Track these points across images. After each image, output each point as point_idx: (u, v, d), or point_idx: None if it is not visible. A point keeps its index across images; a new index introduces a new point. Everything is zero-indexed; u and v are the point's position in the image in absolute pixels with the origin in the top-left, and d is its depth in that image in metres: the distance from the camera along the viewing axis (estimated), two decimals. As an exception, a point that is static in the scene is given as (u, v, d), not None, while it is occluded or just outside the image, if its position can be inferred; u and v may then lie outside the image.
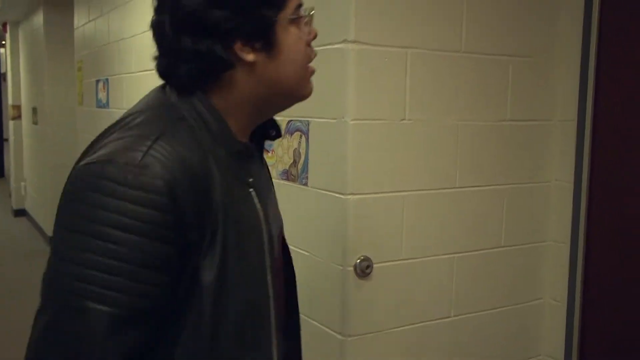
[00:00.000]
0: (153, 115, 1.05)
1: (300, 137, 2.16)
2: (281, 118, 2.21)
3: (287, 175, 2.23)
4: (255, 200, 1.12)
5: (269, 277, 1.12)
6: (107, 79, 4.60)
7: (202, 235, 0.98)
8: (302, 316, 1.44)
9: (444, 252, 2.15)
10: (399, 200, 2.05)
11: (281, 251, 1.28)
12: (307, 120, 2.12)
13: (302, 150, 2.15)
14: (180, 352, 1.00)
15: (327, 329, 2.05)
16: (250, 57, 1.07)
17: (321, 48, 2.01)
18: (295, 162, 2.19)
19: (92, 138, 1.08)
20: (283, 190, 2.13)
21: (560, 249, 2.34)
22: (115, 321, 0.91)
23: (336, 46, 1.96)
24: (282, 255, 1.31)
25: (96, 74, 4.89)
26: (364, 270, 1.99)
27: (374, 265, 2.01)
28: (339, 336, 2.01)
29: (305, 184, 2.14)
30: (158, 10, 1.09)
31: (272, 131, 1.26)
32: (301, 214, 2.14)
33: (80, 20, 5.32)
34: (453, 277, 2.18)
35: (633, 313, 2.16)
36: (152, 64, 1.13)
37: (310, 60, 1.17)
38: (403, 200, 2.05)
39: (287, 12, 1.09)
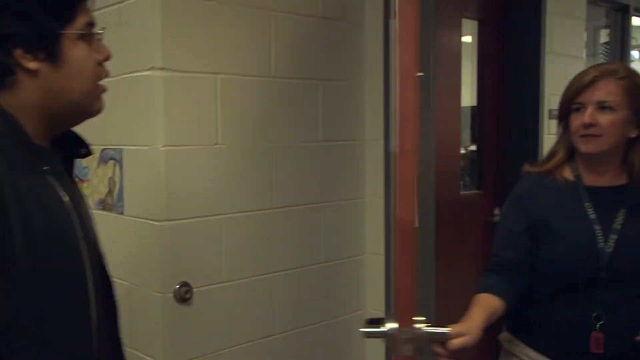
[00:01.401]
0: None
1: (115, 165, 2.13)
2: (95, 146, 2.16)
3: (103, 204, 2.18)
4: (55, 185, 1.13)
5: (84, 254, 1.15)
6: None
7: None
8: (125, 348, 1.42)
9: (264, 272, 2.20)
10: (216, 224, 2.07)
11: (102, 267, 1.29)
12: (120, 148, 2.10)
13: (117, 179, 2.12)
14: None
15: (150, 359, 2.03)
16: (32, 65, 1.09)
17: (129, 75, 2.01)
18: (110, 191, 2.16)
19: None
20: (100, 220, 2.06)
21: (376, 259, 2.48)
22: None
23: (144, 73, 1.96)
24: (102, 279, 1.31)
25: None
26: (183, 296, 1.99)
27: (194, 290, 2.02)
28: (161, 365, 2.00)
29: (122, 213, 2.11)
30: None
31: (82, 150, 1.27)
32: (119, 244, 2.10)
33: None
34: (274, 296, 2.24)
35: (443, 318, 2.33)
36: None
37: (100, 78, 1.19)
38: (220, 224, 2.08)
39: (76, 27, 1.12)
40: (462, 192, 3.16)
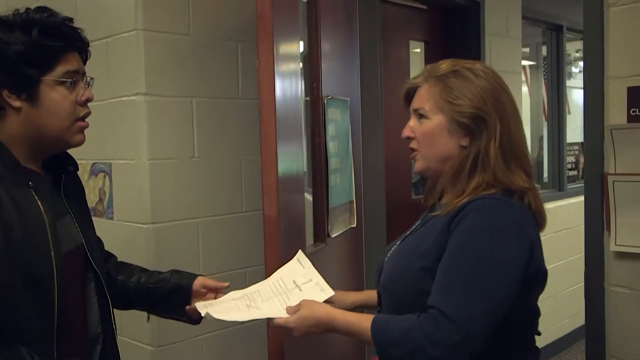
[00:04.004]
0: None
1: (104, 177, 2.45)
2: (85, 161, 2.49)
3: (94, 211, 2.50)
4: (36, 197, 1.43)
5: (53, 255, 1.41)
6: None
7: None
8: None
9: (238, 267, 2.51)
10: (194, 226, 2.40)
11: (84, 267, 1.59)
12: (110, 162, 2.43)
13: (107, 189, 2.45)
14: None
15: (138, 343, 2.34)
16: (16, 103, 1.42)
17: (117, 99, 2.34)
18: (101, 200, 2.48)
19: None
20: (91, 226, 2.40)
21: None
22: None
23: (131, 98, 2.30)
24: (96, 279, 1.61)
25: None
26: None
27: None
28: (149, 347, 2.31)
29: (112, 218, 2.43)
30: None
31: (70, 166, 1.60)
32: (110, 245, 2.40)
33: None
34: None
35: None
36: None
37: (77, 116, 1.49)
38: (198, 226, 2.42)
39: (54, 75, 1.43)
40: (414, 197, 3.53)
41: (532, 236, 1.37)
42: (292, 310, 1.47)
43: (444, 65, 1.46)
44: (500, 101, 1.41)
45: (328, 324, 1.43)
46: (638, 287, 1.98)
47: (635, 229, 1.99)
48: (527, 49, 5.07)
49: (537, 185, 4.80)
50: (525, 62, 5.13)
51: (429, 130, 1.43)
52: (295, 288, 1.60)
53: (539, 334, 1.49)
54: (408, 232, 1.55)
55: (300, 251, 1.73)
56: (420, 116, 1.45)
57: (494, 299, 1.29)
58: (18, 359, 1.33)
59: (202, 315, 1.60)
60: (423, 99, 1.45)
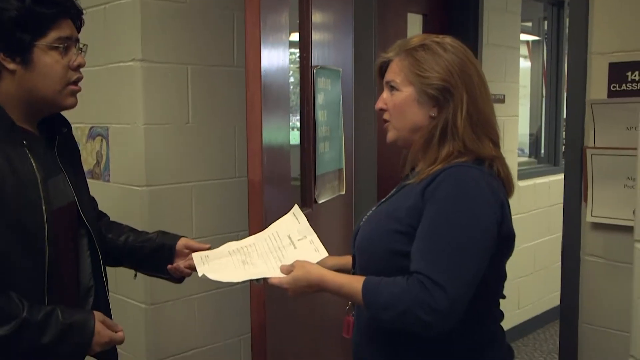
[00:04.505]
0: None
1: (102, 140, 2.53)
2: (83, 125, 2.57)
3: (92, 174, 2.58)
4: (30, 156, 1.52)
5: (44, 209, 1.50)
6: None
7: None
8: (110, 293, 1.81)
9: (229, 231, 2.59)
10: (187, 189, 2.48)
11: (76, 223, 1.68)
12: (107, 126, 2.50)
13: (104, 152, 2.52)
14: None
15: (132, 301, 2.44)
16: (11, 66, 1.51)
17: (114, 65, 2.41)
18: (98, 163, 2.56)
19: None
20: (90, 187, 2.48)
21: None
22: None
23: (127, 64, 2.36)
24: (88, 235, 1.70)
25: None
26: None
27: (169, 244, 2.42)
28: (143, 305, 2.41)
29: (108, 180, 2.51)
30: None
31: (64, 128, 1.69)
32: (106, 206, 2.48)
33: None
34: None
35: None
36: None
37: (69, 80, 1.57)
38: (191, 189, 2.50)
39: (47, 41, 1.52)
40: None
41: (503, 198, 1.45)
42: (286, 270, 1.53)
43: (415, 39, 1.53)
44: (467, 74, 1.48)
45: (320, 285, 1.49)
46: (611, 257, 2.06)
47: (610, 201, 2.06)
48: (529, 24, 5.08)
49: (533, 160, 4.87)
50: (528, 37, 5.14)
51: (399, 102, 1.51)
52: (290, 245, 1.65)
53: (504, 297, 1.57)
54: (383, 200, 1.62)
55: (296, 205, 1.76)
56: (392, 88, 1.53)
57: (475, 261, 1.37)
58: (8, 303, 1.42)
59: (199, 275, 1.64)
60: (394, 72, 1.52)
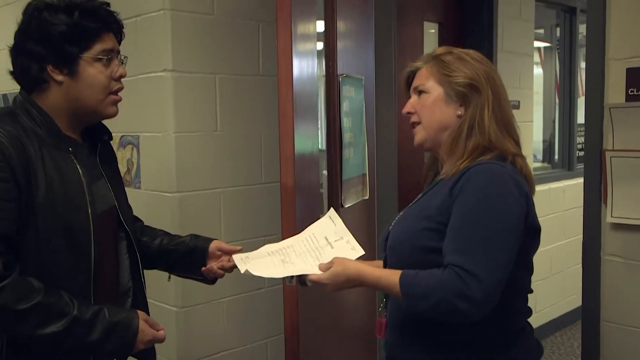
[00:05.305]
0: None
1: (132, 149, 2.61)
2: (115, 134, 2.63)
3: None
4: (75, 162, 1.61)
5: (90, 213, 1.59)
6: None
7: (26, 177, 1.49)
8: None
9: (256, 236, 2.66)
10: (216, 195, 2.56)
11: (116, 226, 1.76)
12: (137, 135, 2.58)
13: (134, 160, 2.61)
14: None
15: (163, 305, 2.51)
16: (59, 77, 1.60)
17: (146, 76, 2.49)
18: (129, 170, 2.64)
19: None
20: (120, 194, 2.57)
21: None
22: None
23: (158, 74, 2.45)
24: (127, 238, 1.78)
25: None
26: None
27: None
28: (174, 309, 2.49)
29: (139, 187, 2.59)
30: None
31: (105, 136, 1.79)
32: (137, 212, 2.56)
33: None
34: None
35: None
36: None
37: (110, 90, 1.66)
38: (220, 196, 2.57)
39: (92, 53, 1.61)
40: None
41: (527, 191, 1.54)
42: (324, 267, 1.60)
43: (441, 49, 1.66)
44: (491, 77, 1.59)
45: (358, 279, 1.56)
46: (631, 256, 2.11)
47: (630, 202, 2.11)
48: (541, 31, 5.14)
49: (546, 165, 4.91)
50: (540, 44, 5.19)
51: (428, 102, 1.60)
52: (327, 245, 1.71)
53: (531, 291, 1.63)
54: (411, 204, 1.70)
55: (332, 209, 1.83)
56: (420, 92, 1.62)
57: (505, 252, 1.44)
58: (60, 301, 1.50)
59: (242, 272, 1.70)
60: (423, 77, 1.62)
